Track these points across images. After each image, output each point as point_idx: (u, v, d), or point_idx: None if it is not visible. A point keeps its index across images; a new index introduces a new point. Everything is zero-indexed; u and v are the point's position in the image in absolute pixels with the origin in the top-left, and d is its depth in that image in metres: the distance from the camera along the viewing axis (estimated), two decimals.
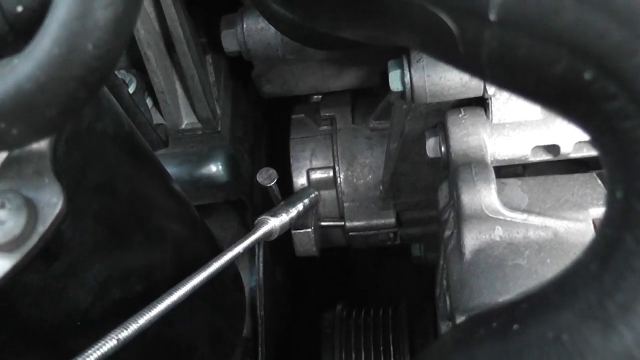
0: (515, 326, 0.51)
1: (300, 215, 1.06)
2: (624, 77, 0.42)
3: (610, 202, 0.46)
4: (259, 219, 1.01)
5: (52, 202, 0.61)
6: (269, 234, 1.00)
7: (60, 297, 0.77)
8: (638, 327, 0.42)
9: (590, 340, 0.44)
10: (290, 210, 1.04)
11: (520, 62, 0.46)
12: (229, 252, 0.89)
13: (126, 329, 0.74)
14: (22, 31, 0.53)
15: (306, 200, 1.09)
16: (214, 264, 0.86)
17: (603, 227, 0.47)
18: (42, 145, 0.62)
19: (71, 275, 0.77)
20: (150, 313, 0.77)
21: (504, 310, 0.56)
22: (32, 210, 0.60)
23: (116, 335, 0.72)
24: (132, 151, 0.91)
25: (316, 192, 1.12)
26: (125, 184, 0.86)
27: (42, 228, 0.60)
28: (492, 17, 0.45)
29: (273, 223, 1.01)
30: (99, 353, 0.70)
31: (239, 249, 0.90)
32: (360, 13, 0.59)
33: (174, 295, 0.81)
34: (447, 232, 1.08)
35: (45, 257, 0.68)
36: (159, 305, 0.78)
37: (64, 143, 0.68)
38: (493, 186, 1.01)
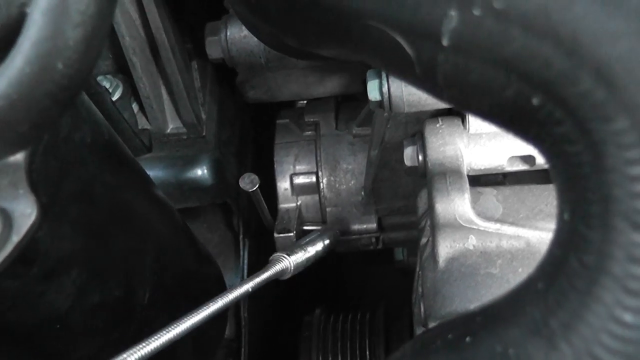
0: (468, 339, 0.53)
1: (319, 255, 1.05)
2: (569, 104, 0.43)
3: (559, 223, 0.48)
4: (273, 255, 0.99)
5: (26, 213, 0.63)
6: (282, 272, 0.99)
7: (39, 301, 0.79)
8: (578, 344, 0.44)
9: (534, 356, 0.46)
10: (308, 249, 1.03)
11: (473, 85, 0.48)
12: (238, 289, 0.88)
13: None
14: None
15: (327, 241, 1.08)
16: (219, 300, 0.86)
17: (551, 247, 0.49)
18: (17, 157, 0.63)
19: (49, 281, 0.79)
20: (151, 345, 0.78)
21: (460, 323, 0.58)
22: (7, 220, 0.62)
23: None
24: (112, 159, 0.92)
25: (337, 232, 1.10)
26: (104, 192, 0.88)
27: (16, 237, 0.62)
28: (445, 42, 0.46)
29: (287, 261, 0.99)
30: None
31: (249, 285, 0.90)
32: (325, 34, 0.60)
33: (177, 328, 0.81)
34: (424, 240, 1.10)
35: (21, 263, 0.69)
36: (161, 338, 0.79)
37: (41, 153, 0.69)
38: (467, 196, 1.02)
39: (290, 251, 1.00)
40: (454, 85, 0.49)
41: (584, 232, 0.44)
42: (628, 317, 0.42)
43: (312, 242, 1.05)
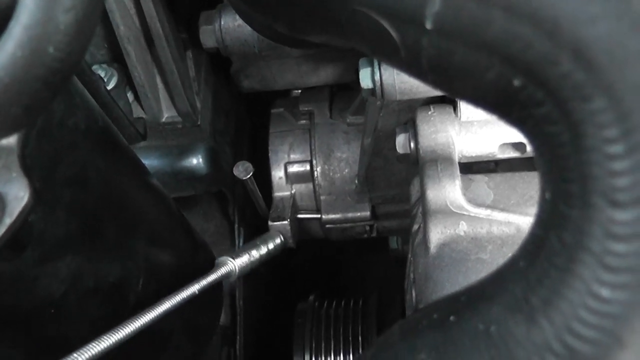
0: (452, 317, 0.54)
1: (262, 259, 1.08)
2: (549, 85, 0.44)
3: (541, 203, 0.49)
4: (219, 259, 1.03)
5: (19, 196, 0.63)
6: (227, 275, 1.02)
7: (33, 285, 0.80)
8: (557, 320, 0.45)
9: (515, 332, 0.47)
10: (252, 253, 1.06)
11: (456, 68, 0.48)
12: (184, 291, 0.91)
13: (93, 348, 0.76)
14: None
15: (271, 245, 1.11)
16: (165, 303, 0.88)
17: (533, 227, 0.50)
18: (10, 140, 0.64)
19: (43, 265, 0.80)
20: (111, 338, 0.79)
21: (446, 303, 0.59)
22: None
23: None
24: (106, 145, 0.93)
25: (282, 238, 1.14)
26: (97, 178, 0.88)
27: (8, 220, 0.63)
28: (429, 25, 0.47)
29: (232, 265, 1.03)
30: None
31: (194, 288, 0.93)
32: (313, 19, 0.61)
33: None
34: (415, 227, 1.11)
35: (14, 247, 0.70)
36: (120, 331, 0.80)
37: (35, 138, 0.70)
38: (458, 182, 1.03)
39: (235, 255, 1.03)
40: (438, 68, 0.50)
41: (563, 211, 0.45)
42: (605, 292, 0.43)
43: (256, 247, 1.08)
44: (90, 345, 0.74)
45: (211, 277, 0.96)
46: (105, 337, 0.76)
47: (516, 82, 0.46)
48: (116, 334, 0.76)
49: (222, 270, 0.99)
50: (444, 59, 0.49)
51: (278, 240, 1.11)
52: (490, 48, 0.46)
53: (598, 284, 0.43)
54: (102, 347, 0.75)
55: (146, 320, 0.81)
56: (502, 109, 0.50)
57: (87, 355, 0.73)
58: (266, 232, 1.17)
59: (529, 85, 0.45)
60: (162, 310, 0.83)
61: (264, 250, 1.08)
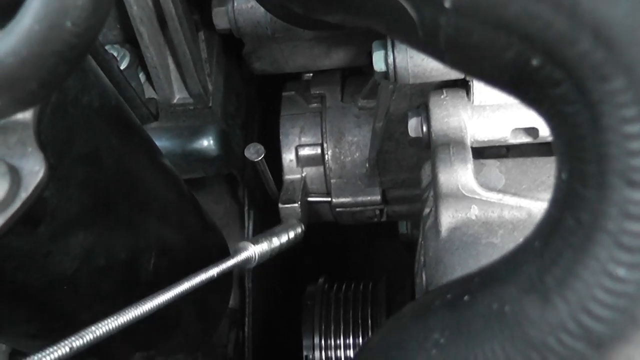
0: (466, 297, 0.54)
1: (282, 248, 1.07)
2: (568, 65, 0.44)
3: (557, 184, 0.49)
4: (239, 244, 1.02)
5: (34, 170, 0.64)
6: (247, 261, 1.01)
7: (46, 262, 0.80)
8: (572, 300, 0.45)
9: (529, 312, 0.47)
10: (273, 240, 1.05)
11: (474, 47, 0.48)
12: (203, 274, 0.90)
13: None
14: (5, 9, 0.56)
15: (292, 234, 1.10)
16: (183, 284, 0.87)
17: (549, 207, 0.50)
18: (26, 116, 0.65)
19: (56, 241, 0.80)
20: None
21: (459, 283, 0.59)
22: (15, 177, 0.63)
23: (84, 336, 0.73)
24: (119, 124, 0.93)
25: (303, 228, 1.13)
26: (110, 156, 0.89)
27: (24, 194, 0.63)
28: (447, 4, 0.47)
29: (253, 250, 1.01)
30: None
31: (213, 271, 0.91)
32: None
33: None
34: (426, 210, 1.11)
35: (29, 222, 0.71)
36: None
37: (49, 114, 0.71)
38: (470, 166, 1.03)
39: (255, 241, 1.02)
40: (456, 47, 0.50)
41: (580, 191, 0.45)
42: (621, 272, 0.43)
43: (277, 234, 1.07)
44: (103, 322, 0.74)
45: (231, 262, 0.95)
46: (118, 314, 0.76)
47: (534, 62, 0.45)
48: (131, 311, 0.76)
49: (242, 256, 0.99)
50: (462, 38, 0.48)
51: (299, 230, 1.10)
52: (509, 27, 0.45)
53: (614, 264, 0.43)
54: (114, 325, 0.75)
55: (162, 301, 0.80)
56: (519, 89, 0.50)
57: (99, 333, 0.73)
58: (288, 221, 1.16)
59: (548, 65, 0.45)
60: (179, 292, 0.83)
61: (284, 238, 1.07)
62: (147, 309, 0.77)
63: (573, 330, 0.45)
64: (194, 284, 0.87)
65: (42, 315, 0.89)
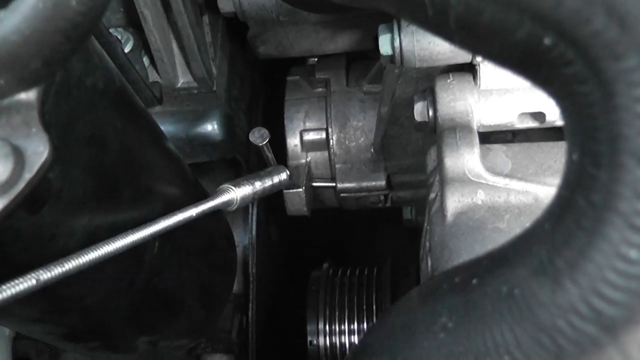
0: (474, 281, 0.53)
1: (265, 192, 1.04)
2: (580, 44, 0.43)
3: (568, 165, 0.48)
4: (221, 186, 0.99)
5: (38, 151, 0.63)
6: (228, 203, 0.98)
7: (50, 244, 0.80)
8: (582, 282, 0.44)
9: (539, 295, 0.46)
10: (256, 184, 1.02)
11: (485, 26, 0.48)
12: (181, 213, 0.88)
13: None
14: None
15: (275, 178, 1.06)
16: (162, 222, 0.85)
17: (560, 189, 0.49)
18: (30, 96, 0.64)
19: (60, 224, 0.80)
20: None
21: (467, 267, 0.58)
22: (19, 157, 0.62)
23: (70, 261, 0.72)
24: (123, 107, 0.93)
25: (288, 173, 1.09)
26: (114, 138, 0.88)
27: (28, 175, 0.62)
28: None
29: (234, 193, 0.98)
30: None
31: (192, 212, 0.90)
32: None
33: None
34: (432, 195, 1.11)
35: (33, 203, 0.70)
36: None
37: (53, 95, 0.70)
38: (476, 150, 1.03)
39: (237, 184, 0.99)
40: (466, 27, 0.49)
41: (592, 171, 0.44)
42: (633, 254, 0.42)
43: (260, 178, 1.04)
44: (73, 256, 0.73)
45: (211, 204, 0.92)
46: (90, 249, 0.74)
47: (546, 41, 0.45)
48: (102, 247, 0.75)
49: (222, 198, 0.96)
50: (473, 17, 0.48)
51: (284, 176, 1.07)
52: (520, 5, 0.45)
53: (626, 245, 0.42)
54: (84, 260, 0.73)
55: (136, 239, 0.79)
56: (529, 69, 0.50)
57: (68, 266, 0.72)
58: (273, 166, 1.13)
59: (560, 44, 0.44)
60: (155, 230, 0.81)
61: (268, 183, 1.04)
62: (120, 246, 0.76)
63: (584, 313, 0.44)
64: (172, 222, 0.85)
65: (44, 298, 0.89)
